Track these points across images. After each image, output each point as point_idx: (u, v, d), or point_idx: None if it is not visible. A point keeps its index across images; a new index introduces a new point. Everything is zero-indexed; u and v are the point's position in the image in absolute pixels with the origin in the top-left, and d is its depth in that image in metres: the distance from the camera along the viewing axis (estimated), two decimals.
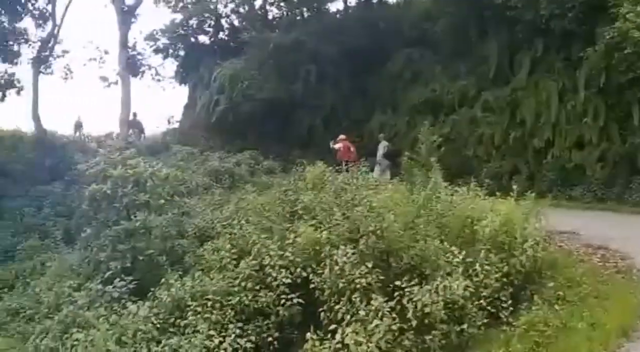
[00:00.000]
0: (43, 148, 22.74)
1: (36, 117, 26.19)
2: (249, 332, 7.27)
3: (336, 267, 7.43)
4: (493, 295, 7.45)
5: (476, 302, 7.18)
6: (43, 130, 26.05)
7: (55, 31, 27.48)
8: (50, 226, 16.90)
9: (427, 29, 23.38)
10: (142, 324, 7.03)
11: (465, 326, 6.94)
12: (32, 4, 26.09)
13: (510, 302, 7.45)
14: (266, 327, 7.50)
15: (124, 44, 28.46)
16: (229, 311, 7.46)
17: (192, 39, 32.61)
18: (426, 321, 6.83)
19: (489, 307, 7.24)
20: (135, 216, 9.22)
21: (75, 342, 6.80)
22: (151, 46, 31.40)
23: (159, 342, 6.88)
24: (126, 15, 28.31)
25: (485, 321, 7.16)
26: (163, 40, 31.62)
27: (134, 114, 27.99)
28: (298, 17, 29.32)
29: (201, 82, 29.21)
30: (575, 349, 6.32)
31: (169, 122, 32.46)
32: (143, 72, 31.83)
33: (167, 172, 10.27)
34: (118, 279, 8.18)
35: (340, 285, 7.29)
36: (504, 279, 7.74)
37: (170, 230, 9.64)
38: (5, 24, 24.79)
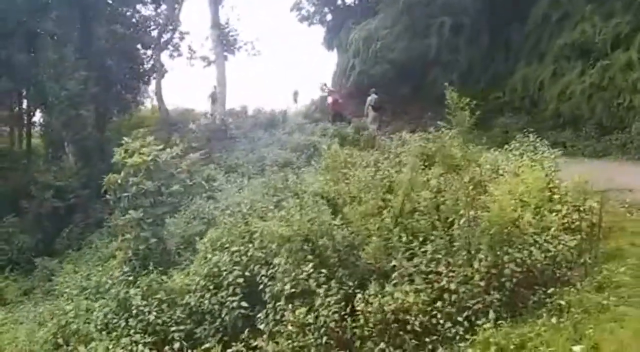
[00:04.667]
0: (163, 125, 25.52)
1: (159, 97, 29.37)
2: None
3: None
4: None
5: None
6: (165, 109, 29.08)
7: (176, 13, 30.15)
8: None
9: None
10: None
11: None
12: None
13: None
14: None
15: (216, 22, 29.51)
16: None
17: (339, 1, 33.46)
18: None
19: None
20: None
21: None
22: (296, 16, 32.90)
23: None
24: None
25: None
26: (308, 8, 32.92)
27: (214, 87, 28.84)
28: None
29: (341, 47, 29.90)
30: None
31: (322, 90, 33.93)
32: (239, 48, 32.41)
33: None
34: None
35: None
36: None
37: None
38: (142, 12, 28.09)
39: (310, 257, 7.99)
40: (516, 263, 7.26)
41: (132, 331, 7.90)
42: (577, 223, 8.00)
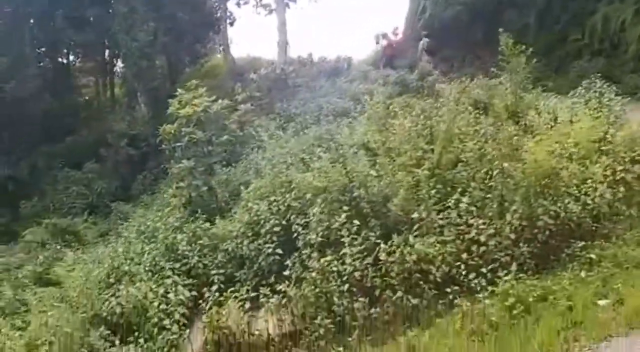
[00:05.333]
0: (229, 75, 25.88)
1: (227, 46, 29.59)
2: None
3: None
4: None
5: None
6: (232, 58, 29.23)
7: None
8: None
9: None
10: None
11: None
12: None
13: None
14: None
15: None
16: None
17: None
18: None
19: None
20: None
21: None
22: None
23: None
24: None
25: None
26: None
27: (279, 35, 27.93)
28: None
29: None
30: None
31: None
32: None
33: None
34: None
35: None
36: None
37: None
38: None
39: (345, 208, 8.13)
40: (550, 215, 7.09)
41: (175, 273, 8.46)
42: (622, 175, 7.59)
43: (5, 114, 22.77)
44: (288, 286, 7.19)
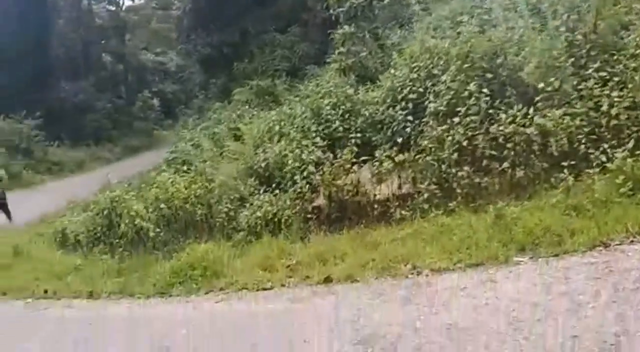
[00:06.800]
0: None
1: None
2: None
3: None
4: None
5: None
6: None
7: None
8: None
9: None
10: None
11: None
12: None
13: None
14: None
15: None
16: None
17: None
18: None
19: None
20: None
21: None
22: None
23: None
24: None
25: None
26: None
27: None
28: None
29: None
30: None
31: None
32: None
33: None
34: None
35: None
36: None
37: None
38: None
39: (480, 74, 7.93)
40: None
41: (317, 135, 9.31)
42: None
43: None
44: (402, 151, 7.57)
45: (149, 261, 7.81)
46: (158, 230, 8.40)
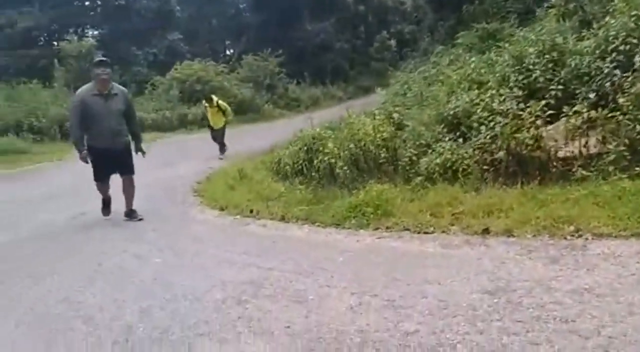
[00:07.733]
0: None
1: None
2: None
3: None
4: None
5: None
6: None
7: None
8: None
9: None
10: None
11: None
12: None
13: None
14: None
15: None
16: None
17: None
18: None
19: None
20: None
21: None
22: None
23: None
24: None
25: None
26: None
27: None
28: None
29: None
30: None
31: None
32: None
33: None
34: None
35: None
36: None
37: None
38: None
39: None
40: None
41: (516, 85, 8.97)
42: None
43: None
44: (596, 108, 7.02)
45: (335, 195, 8.67)
46: (345, 168, 9.15)
